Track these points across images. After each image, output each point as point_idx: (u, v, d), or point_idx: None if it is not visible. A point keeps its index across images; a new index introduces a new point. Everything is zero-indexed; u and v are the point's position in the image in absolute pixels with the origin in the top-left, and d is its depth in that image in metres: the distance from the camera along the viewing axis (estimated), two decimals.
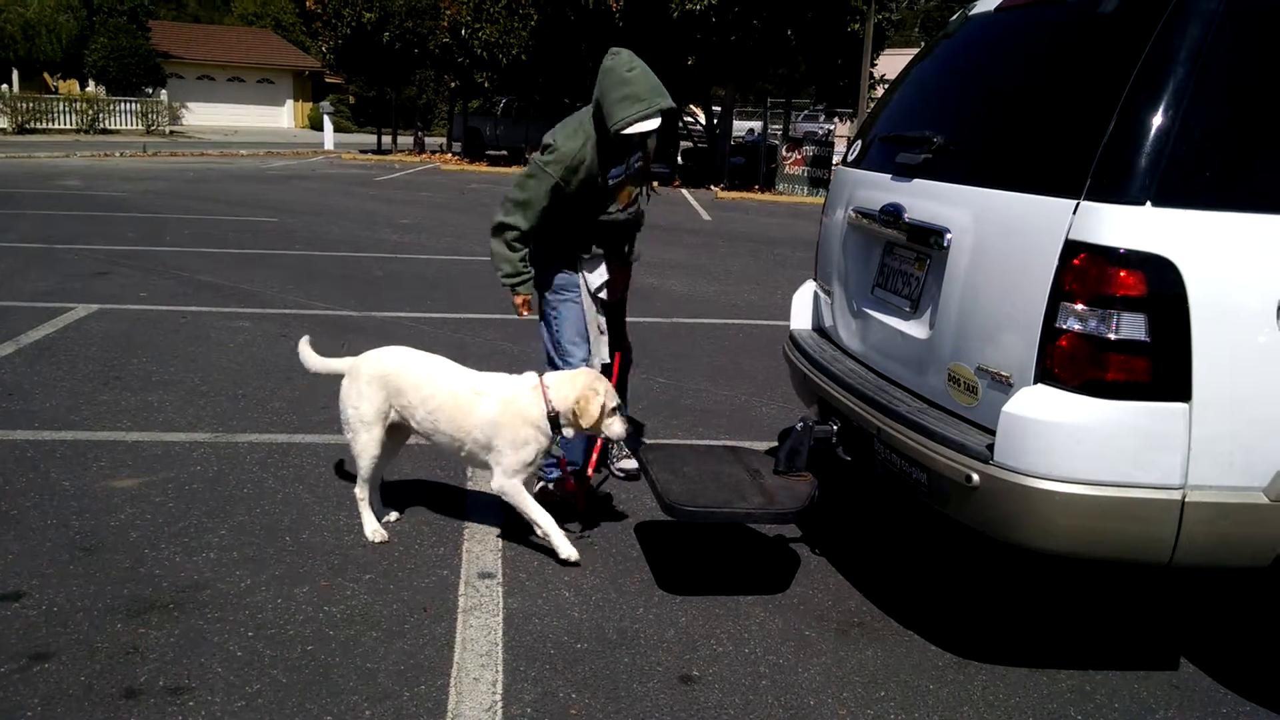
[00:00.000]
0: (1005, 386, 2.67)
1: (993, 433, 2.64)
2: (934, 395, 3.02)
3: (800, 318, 4.12)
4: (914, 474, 2.89)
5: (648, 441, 4.54)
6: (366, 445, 3.55)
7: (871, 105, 12.47)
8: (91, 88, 36.44)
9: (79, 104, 33.90)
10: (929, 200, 3.12)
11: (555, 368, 3.81)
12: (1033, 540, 2.65)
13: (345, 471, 4.10)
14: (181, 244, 10.44)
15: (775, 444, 4.18)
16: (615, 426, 3.48)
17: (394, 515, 3.79)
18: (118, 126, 34.31)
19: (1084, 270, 2.49)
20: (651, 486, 3.36)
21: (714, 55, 20.56)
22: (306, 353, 3.82)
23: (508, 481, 3.44)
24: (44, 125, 32.69)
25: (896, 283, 3.31)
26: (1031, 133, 2.90)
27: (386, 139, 31.36)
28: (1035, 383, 2.58)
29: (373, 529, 3.61)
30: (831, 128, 23.43)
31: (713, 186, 21.92)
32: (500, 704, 2.65)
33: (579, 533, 3.70)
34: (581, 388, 3.41)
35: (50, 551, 3.39)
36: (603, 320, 3.98)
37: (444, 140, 33.90)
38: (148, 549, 3.44)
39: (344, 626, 3.00)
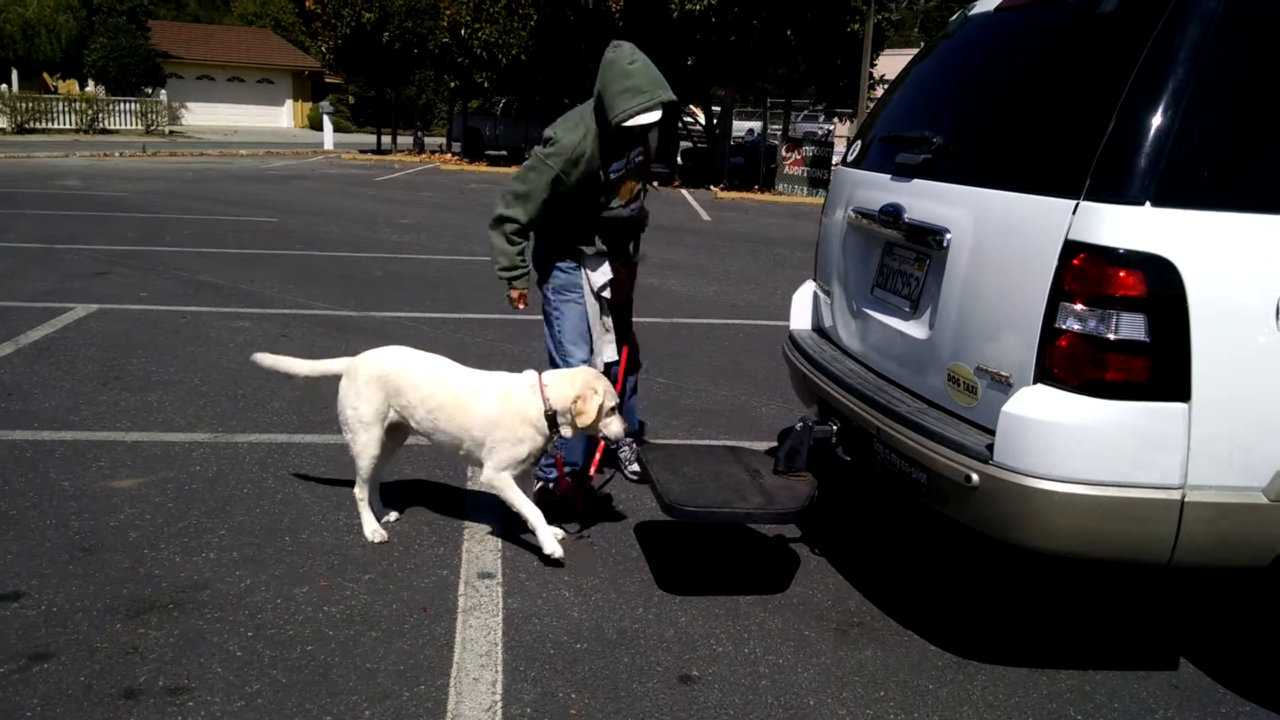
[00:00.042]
0: (1005, 386, 2.67)
1: (992, 433, 2.64)
2: (933, 395, 3.02)
3: (800, 318, 4.12)
4: (913, 474, 2.89)
5: (648, 441, 4.54)
6: (366, 445, 3.55)
7: (871, 105, 12.44)
8: (91, 88, 36.42)
9: (78, 104, 33.88)
10: (928, 200, 3.12)
11: (557, 368, 3.81)
12: (1032, 540, 2.65)
13: (345, 471, 4.09)
14: (181, 244, 10.44)
15: (775, 444, 4.18)
16: (613, 426, 3.48)
17: (394, 515, 3.79)
18: (117, 126, 34.29)
19: (1083, 270, 2.49)
20: (651, 486, 3.36)
21: (714, 55, 20.56)
22: (287, 362, 3.72)
23: (497, 475, 3.44)
24: (43, 125, 32.67)
25: (896, 283, 3.31)
26: (1031, 133, 2.90)
27: (386, 139, 31.35)
28: (1035, 383, 2.58)
29: (372, 529, 3.62)
30: (831, 128, 23.45)
31: (712, 187, 21.92)
32: (500, 704, 2.65)
33: (576, 533, 3.71)
34: (580, 387, 3.41)
35: (50, 551, 3.39)
36: (608, 320, 3.98)
37: (443, 140, 33.89)
38: (147, 549, 3.44)
39: (344, 626, 3.00)
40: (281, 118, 45.82)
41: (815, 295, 4.06)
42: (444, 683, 2.73)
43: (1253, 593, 2.74)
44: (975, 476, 2.63)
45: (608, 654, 2.92)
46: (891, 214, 3.23)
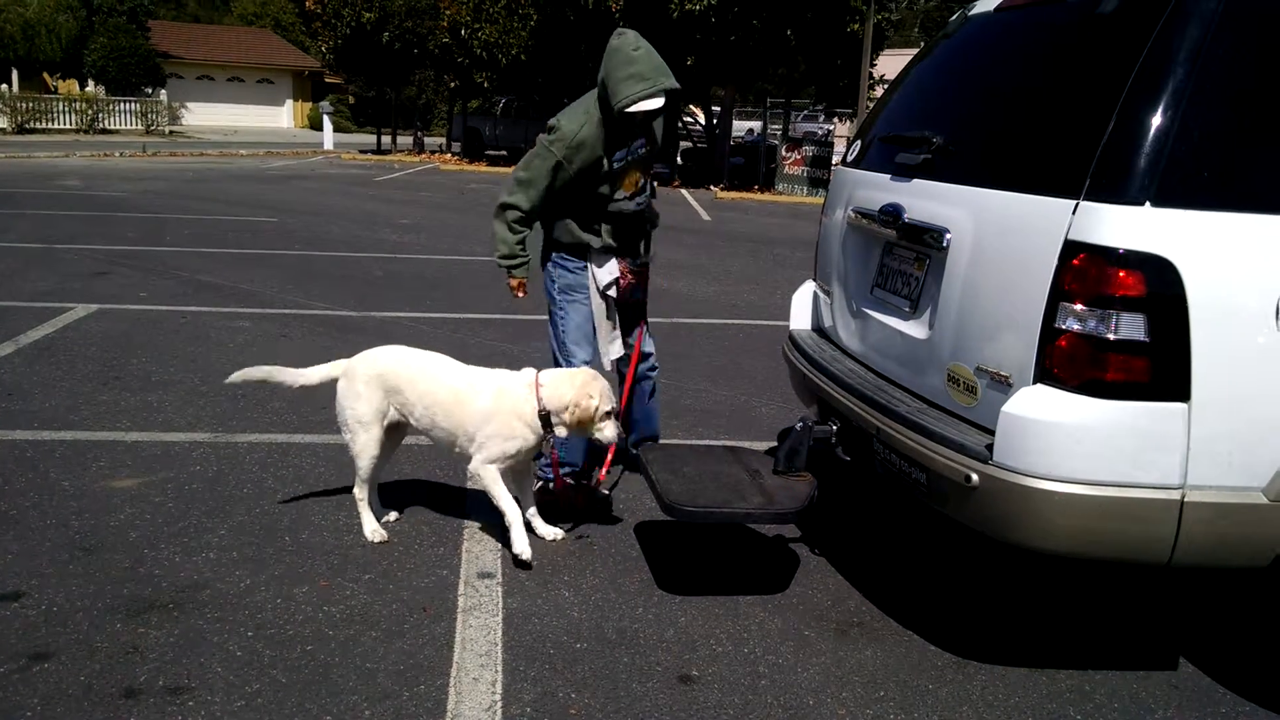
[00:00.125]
0: (1004, 386, 2.67)
1: (992, 433, 2.64)
2: (933, 395, 3.02)
3: (800, 318, 4.12)
4: (913, 474, 2.89)
5: (648, 441, 4.53)
6: (365, 445, 3.55)
7: (871, 105, 12.45)
8: (91, 88, 36.42)
9: (78, 104, 33.89)
10: (928, 200, 3.12)
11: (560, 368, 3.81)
12: (1032, 540, 2.65)
13: (345, 471, 4.09)
14: (181, 244, 10.44)
15: (775, 444, 4.18)
16: (608, 431, 3.47)
17: (393, 515, 3.79)
18: (117, 126, 34.30)
19: (1083, 270, 2.49)
20: (651, 486, 3.36)
21: (714, 55, 20.56)
22: (280, 373, 3.65)
23: (483, 466, 3.44)
24: (43, 125, 32.68)
25: (896, 283, 3.31)
26: (1031, 133, 2.90)
27: (386, 139, 31.35)
28: (1034, 383, 2.58)
29: (372, 529, 3.62)
30: (831, 128, 23.45)
31: (712, 186, 21.92)
32: (500, 704, 2.65)
33: (570, 528, 3.71)
34: (577, 389, 3.40)
35: (50, 551, 3.39)
36: (614, 319, 3.98)
37: (443, 140, 33.91)
38: (147, 549, 3.44)
39: (344, 626, 3.00)
40: (281, 118, 45.82)
41: (815, 295, 4.06)
42: (444, 683, 2.73)
43: (1253, 593, 2.74)
44: (975, 476, 2.63)
45: (607, 654, 2.92)
46: (891, 214, 3.23)
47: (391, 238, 11.85)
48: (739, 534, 3.80)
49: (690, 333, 7.30)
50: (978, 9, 3.50)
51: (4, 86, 33.39)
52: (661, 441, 4.26)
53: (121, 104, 35.05)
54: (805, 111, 30.25)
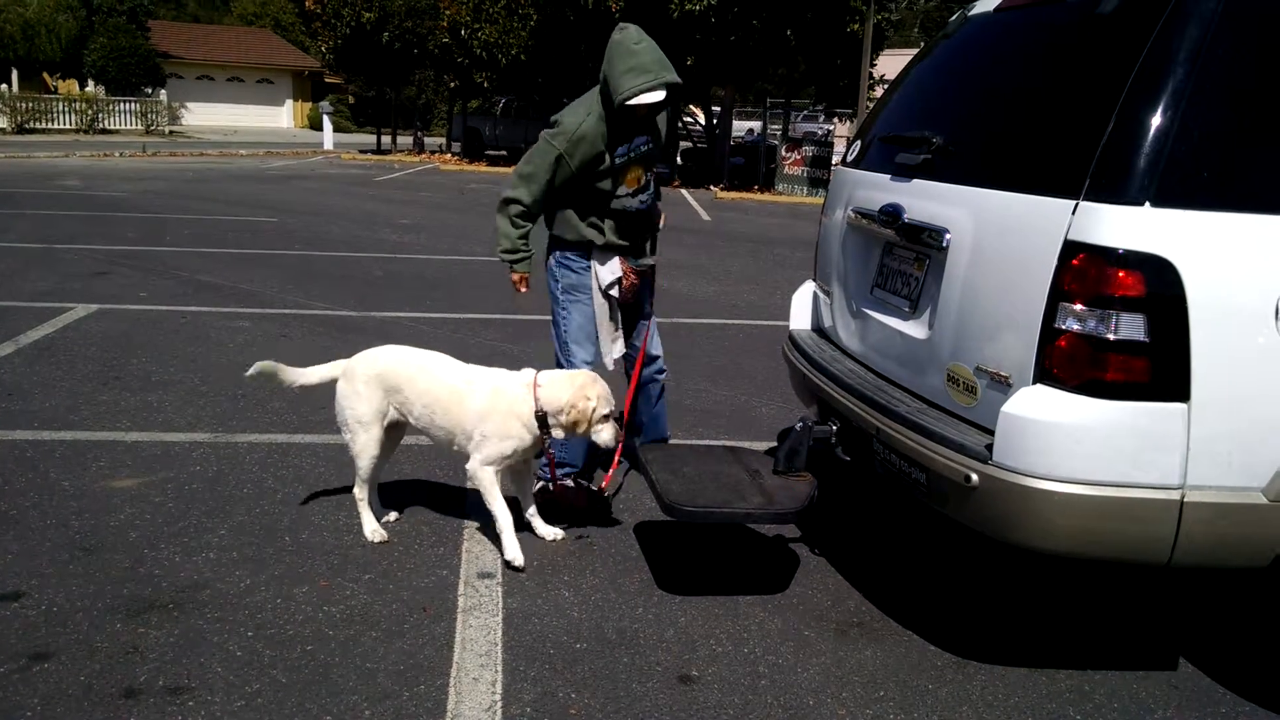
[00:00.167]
0: (1004, 386, 2.67)
1: (992, 433, 2.64)
2: (933, 395, 3.02)
3: (799, 318, 4.13)
4: (913, 474, 2.89)
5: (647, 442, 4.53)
6: (365, 445, 3.55)
7: (871, 105, 12.45)
8: (91, 88, 36.42)
9: (78, 104, 33.89)
10: (928, 200, 3.12)
11: (561, 368, 3.81)
12: (1032, 540, 2.65)
13: (345, 471, 4.09)
14: (181, 244, 10.45)
15: (775, 444, 4.18)
16: (605, 434, 3.45)
17: (393, 515, 3.80)
18: (117, 126, 34.30)
19: (1083, 270, 2.49)
20: (651, 486, 3.36)
21: (714, 55, 20.56)
22: (284, 371, 3.64)
23: (481, 469, 3.44)
24: (43, 125, 32.68)
25: (896, 283, 3.31)
26: (1030, 133, 2.90)
27: (386, 139, 31.36)
28: (1034, 383, 2.58)
29: (372, 529, 3.62)
30: (831, 128, 23.44)
31: (712, 187, 21.93)
32: (500, 704, 2.65)
33: (568, 529, 3.70)
34: (574, 392, 3.39)
35: (50, 551, 3.39)
36: (617, 319, 3.98)
37: (443, 140, 33.92)
38: (147, 549, 3.44)
39: (344, 626, 3.00)
40: (281, 118, 45.83)
41: (815, 295, 4.06)
42: (444, 683, 2.73)
43: (1252, 593, 2.74)
44: (975, 476, 2.63)
45: (607, 654, 2.92)
46: (891, 214, 3.23)
47: (391, 238, 11.85)
48: (739, 534, 3.80)
49: (690, 333, 7.30)
50: (977, 9, 3.50)
51: (4, 86, 33.39)
52: (647, 433, 4.26)
53: (121, 104, 35.05)
54: (805, 111, 30.24)
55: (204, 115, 41.44)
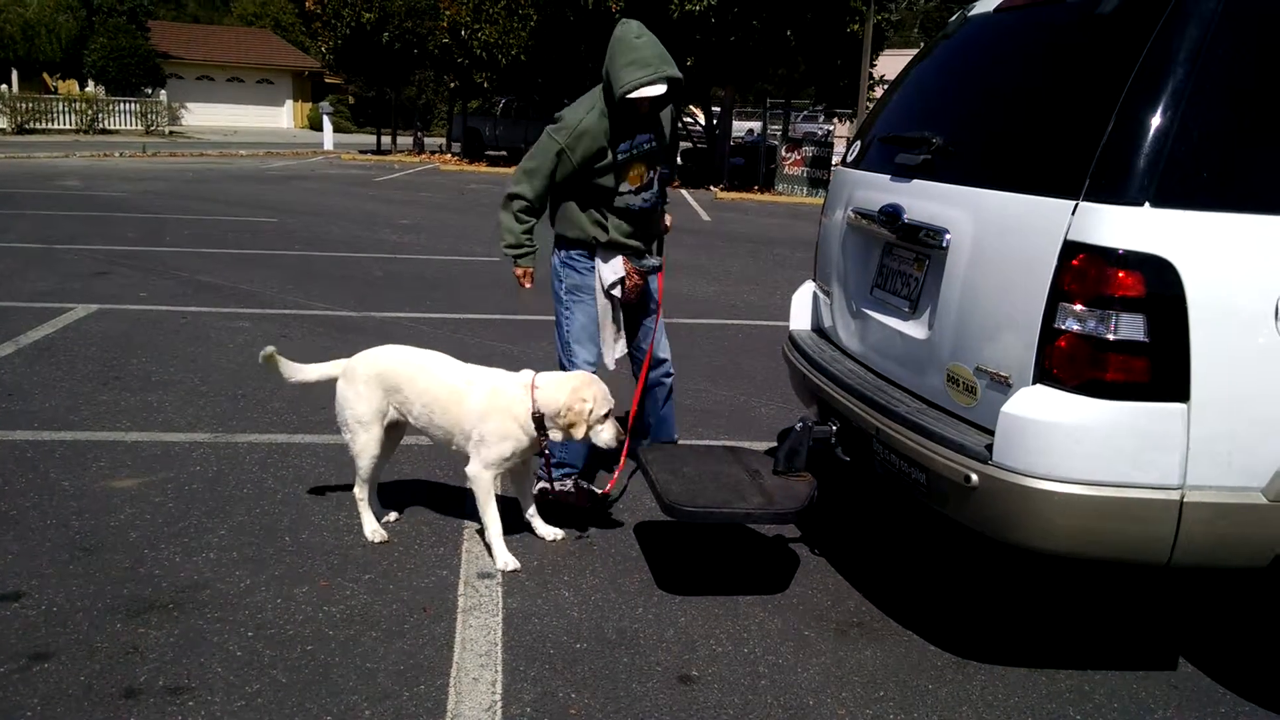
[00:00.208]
0: (1004, 387, 2.67)
1: (991, 433, 2.64)
2: (933, 395, 3.02)
3: (799, 318, 4.13)
4: (913, 474, 2.89)
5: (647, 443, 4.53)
6: (366, 445, 3.55)
7: (871, 106, 12.45)
8: (91, 88, 36.42)
9: (78, 104, 33.89)
10: (928, 201, 3.12)
11: (563, 369, 3.81)
12: (1031, 540, 2.65)
13: (345, 471, 4.09)
14: (181, 244, 10.45)
15: (774, 444, 4.18)
16: (604, 434, 3.44)
17: (394, 515, 3.80)
18: (117, 127, 34.31)
19: (1083, 271, 2.49)
20: (651, 487, 3.36)
21: (714, 56, 20.56)
22: (284, 364, 3.67)
23: (482, 472, 3.43)
24: (43, 125, 32.68)
25: (895, 283, 3.31)
26: (1030, 133, 2.90)
27: (386, 139, 31.36)
28: (1034, 383, 2.58)
29: (372, 529, 3.62)
30: (831, 128, 23.46)
31: (712, 187, 21.93)
32: (500, 704, 2.65)
33: (568, 529, 3.70)
34: (569, 394, 3.38)
35: (50, 551, 3.39)
36: (619, 320, 3.98)
37: (443, 141, 33.92)
38: (147, 549, 3.45)
39: (344, 626, 3.00)
40: (281, 118, 45.83)
41: (815, 296, 4.07)
42: (444, 683, 2.73)
43: (1252, 593, 2.74)
44: (974, 477, 2.63)
45: (607, 654, 2.92)
46: (891, 214, 3.24)
47: (391, 238, 11.85)
48: (739, 534, 3.80)
49: (690, 333, 7.30)
50: (977, 9, 3.50)
51: (4, 87, 33.38)
52: (654, 436, 4.26)
53: (121, 104, 35.05)
54: (805, 112, 30.26)
55: (204, 115, 41.44)
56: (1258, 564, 2.62)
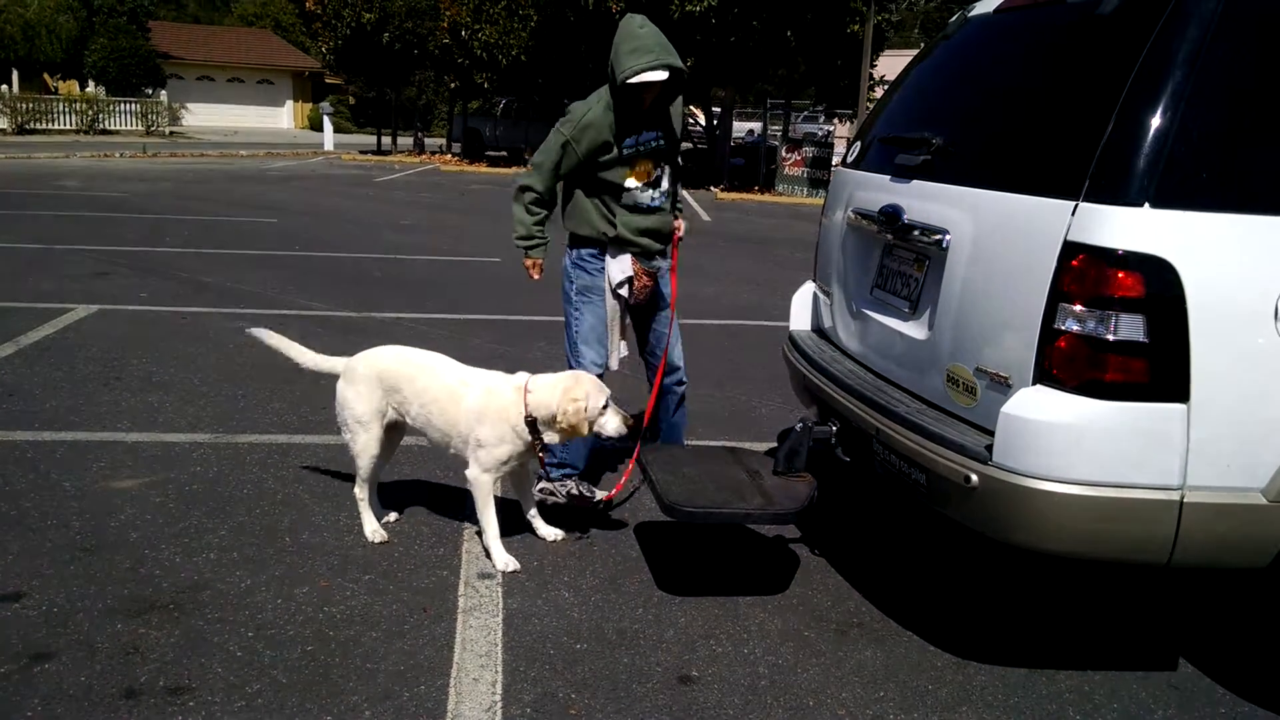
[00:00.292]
0: (1004, 387, 2.67)
1: (991, 433, 2.65)
2: (933, 396, 3.02)
3: (799, 319, 4.13)
4: (913, 475, 2.89)
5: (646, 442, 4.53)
6: (365, 445, 3.56)
7: (871, 106, 12.46)
8: (91, 88, 36.41)
9: (79, 104, 33.89)
10: (928, 201, 3.12)
11: (571, 368, 3.80)
12: (1031, 541, 2.65)
13: (345, 472, 4.10)
14: (181, 245, 10.45)
15: (774, 445, 4.18)
16: (609, 426, 3.43)
17: (394, 515, 3.80)
18: (117, 127, 34.30)
19: (1082, 271, 2.50)
20: (651, 487, 3.36)
21: (714, 56, 20.56)
22: (290, 347, 3.76)
23: (481, 475, 3.43)
24: (44, 126, 32.68)
25: (895, 284, 3.32)
26: (1030, 134, 2.91)
27: (386, 140, 31.37)
28: (1034, 383, 2.59)
29: (372, 529, 3.62)
30: (831, 129, 23.46)
31: (712, 187, 21.93)
32: (500, 704, 2.65)
33: (568, 529, 3.71)
34: (560, 395, 3.36)
35: (50, 552, 3.39)
36: (627, 321, 3.98)
37: (444, 141, 33.92)
38: (148, 549, 3.45)
39: (344, 627, 3.00)
40: (282, 118, 45.83)
41: (815, 296, 4.07)
42: (444, 683, 2.73)
43: (1252, 593, 2.74)
44: (974, 477, 2.64)
45: (607, 654, 2.92)
46: (891, 215, 3.24)
47: (392, 238, 11.85)
48: (739, 534, 3.80)
49: (690, 333, 7.28)
50: (977, 10, 3.50)
51: (4, 87, 33.38)
52: (661, 442, 4.26)
53: (122, 105, 35.05)
54: (805, 112, 30.26)
55: (204, 116, 41.43)
56: (1258, 564, 2.62)
